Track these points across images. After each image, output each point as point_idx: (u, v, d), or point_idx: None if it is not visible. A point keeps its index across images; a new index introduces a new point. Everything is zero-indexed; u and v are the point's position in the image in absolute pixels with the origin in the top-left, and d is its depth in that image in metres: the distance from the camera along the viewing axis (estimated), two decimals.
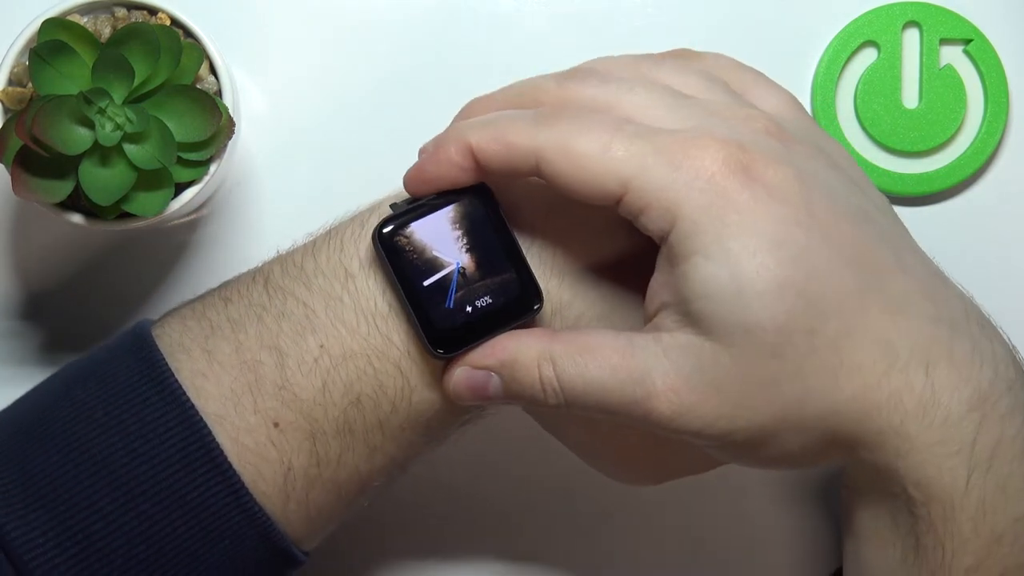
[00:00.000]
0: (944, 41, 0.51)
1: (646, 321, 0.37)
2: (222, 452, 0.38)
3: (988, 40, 0.51)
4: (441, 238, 0.38)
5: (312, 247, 0.41)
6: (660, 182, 0.34)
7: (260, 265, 0.42)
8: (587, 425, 0.41)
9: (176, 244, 0.51)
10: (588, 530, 0.51)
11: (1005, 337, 0.37)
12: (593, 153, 0.35)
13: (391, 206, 0.40)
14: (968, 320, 0.36)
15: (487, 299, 0.38)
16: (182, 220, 0.51)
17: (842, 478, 0.38)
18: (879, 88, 0.51)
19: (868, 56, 0.52)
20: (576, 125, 0.36)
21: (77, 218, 0.44)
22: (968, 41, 0.51)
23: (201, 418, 0.38)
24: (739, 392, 0.34)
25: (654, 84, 0.38)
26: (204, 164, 0.44)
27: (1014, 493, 0.34)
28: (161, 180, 0.43)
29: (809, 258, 0.34)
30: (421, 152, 0.39)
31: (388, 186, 0.51)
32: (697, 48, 0.51)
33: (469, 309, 0.38)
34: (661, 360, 0.35)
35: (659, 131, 0.35)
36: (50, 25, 0.42)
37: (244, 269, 0.50)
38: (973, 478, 0.34)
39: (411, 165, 0.39)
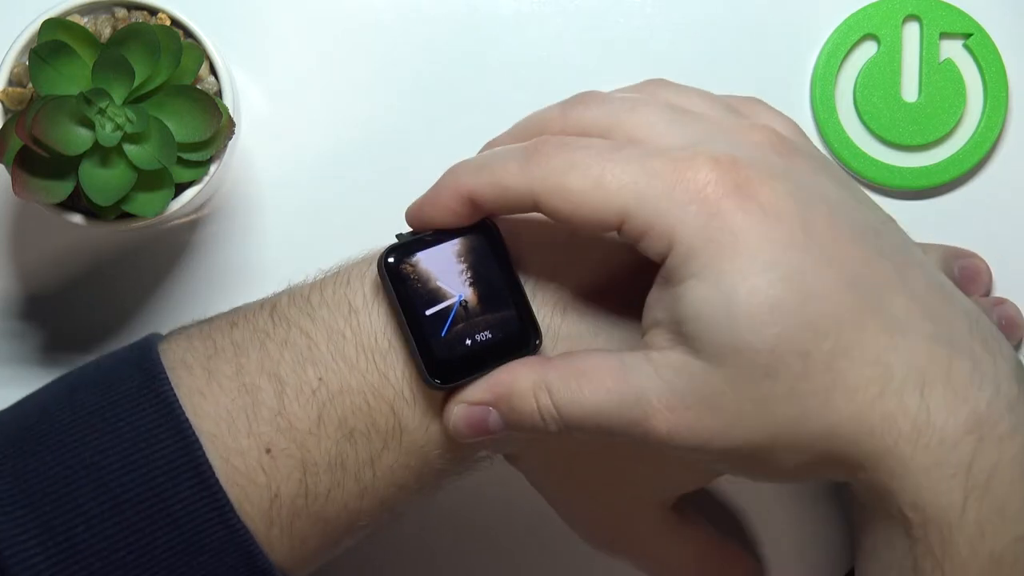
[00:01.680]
0: (944, 35, 0.51)
1: (643, 334, 0.37)
2: (210, 467, 0.38)
3: (988, 35, 0.51)
4: (446, 270, 0.38)
5: (320, 283, 0.41)
6: (655, 208, 0.34)
7: (269, 295, 0.42)
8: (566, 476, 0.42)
9: (176, 244, 0.51)
10: None
11: (1014, 352, 0.36)
12: (586, 188, 0.35)
13: (397, 236, 0.40)
14: (971, 337, 0.35)
15: (487, 334, 0.38)
16: (182, 220, 0.51)
17: (850, 494, 0.38)
18: (879, 82, 0.51)
19: (868, 49, 0.52)
20: (566, 160, 0.36)
21: (77, 218, 0.44)
22: (968, 35, 0.51)
23: (192, 431, 0.38)
24: (733, 411, 0.34)
25: (655, 102, 0.38)
26: (204, 164, 0.44)
27: (1013, 514, 0.34)
28: (161, 180, 0.43)
29: (803, 279, 0.34)
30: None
31: (387, 186, 0.51)
32: (696, 46, 0.51)
33: (469, 342, 0.38)
34: (654, 380, 0.35)
35: (651, 154, 0.35)
36: (50, 25, 0.42)
37: (244, 270, 0.51)
38: (970, 501, 0.33)
39: (412, 202, 0.39)
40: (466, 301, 0.38)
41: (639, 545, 0.43)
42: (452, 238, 0.38)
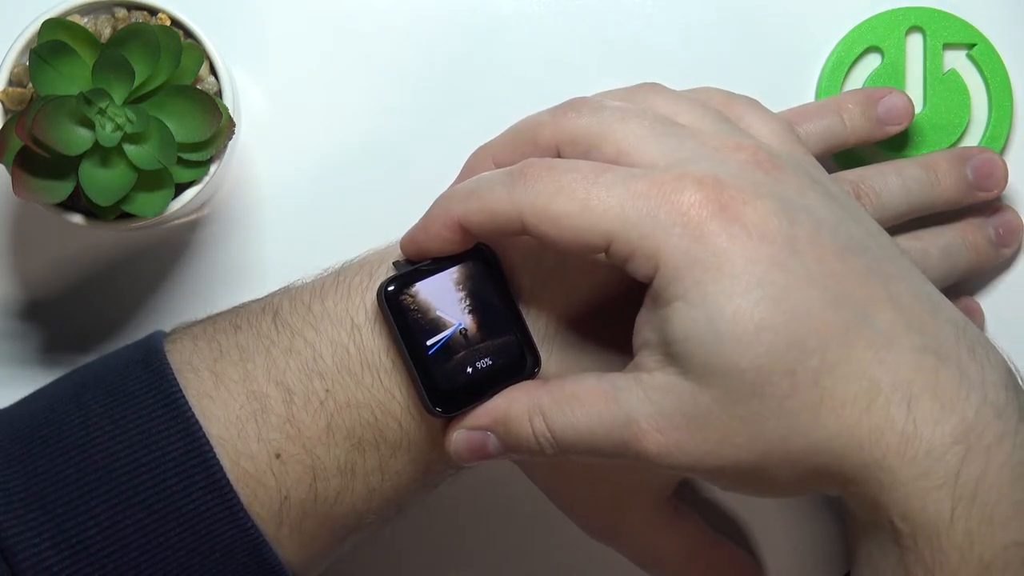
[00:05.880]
0: (948, 46, 0.51)
1: (634, 353, 0.37)
2: (221, 468, 0.38)
3: (992, 45, 0.51)
4: (445, 298, 0.38)
5: (320, 289, 0.41)
6: (640, 230, 0.35)
7: (267, 297, 0.42)
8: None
9: (176, 244, 0.51)
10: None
11: (1003, 358, 0.37)
12: (572, 212, 0.35)
13: (394, 264, 0.40)
14: (958, 346, 0.35)
15: (487, 360, 0.38)
16: (182, 220, 0.51)
17: (843, 505, 0.38)
18: None
19: (872, 62, 0.51)
20: (551, 184, 0.36)
21: (77, 218, 0.44)
22: (972, 46, 0.51)
23: (203, 433, 0.38)
24: (723, 430, 0.35)
25: (645, 112, 0.38)
26: (204, 164, 0.44)
27: (1002, 521, 0.34)
28: (161, 180, 0.43)
29: (788, 298, 0.34)
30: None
31: (387, 186, 0.51)
32: (698, 57, 0.51)
33: (470, 370, 0.38)
34: (643, 402, 0.35)
35: (636, 176, 0.36)
36: (50, 25, 0.42)
37: (244, 270, 0.51)
38: (958, 510, 0.33)
39: (406, 232, 0.40)
40: (465, 329, 0.38)
41: (632, 535, 0.44)
42: (449, 266, 0.39)
